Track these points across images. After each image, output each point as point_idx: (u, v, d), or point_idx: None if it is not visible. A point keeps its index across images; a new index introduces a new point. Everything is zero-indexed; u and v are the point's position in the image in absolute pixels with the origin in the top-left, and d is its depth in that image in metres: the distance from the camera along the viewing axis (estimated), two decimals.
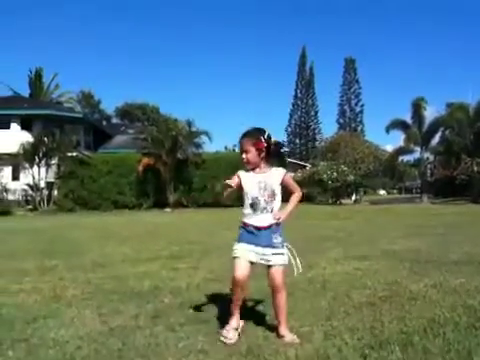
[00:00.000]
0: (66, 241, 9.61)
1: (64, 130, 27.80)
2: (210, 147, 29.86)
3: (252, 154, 3.16)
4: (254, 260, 3.08)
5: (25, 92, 46.85)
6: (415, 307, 3.66)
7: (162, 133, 26.35)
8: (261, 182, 3.14)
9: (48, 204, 25.48)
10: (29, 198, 26.25)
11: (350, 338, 2.96)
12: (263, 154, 3.17)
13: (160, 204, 25.87)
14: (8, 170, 27.76)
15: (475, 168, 32.16)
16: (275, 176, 3.17)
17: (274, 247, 3.09)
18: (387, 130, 35.81)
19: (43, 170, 26.08)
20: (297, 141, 74.45)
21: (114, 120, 55.22)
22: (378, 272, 5.19)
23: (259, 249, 3.07)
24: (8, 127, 29.42)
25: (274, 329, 3.15)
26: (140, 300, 4.16)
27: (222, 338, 2.99)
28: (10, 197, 25.72)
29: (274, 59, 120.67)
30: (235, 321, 3.14)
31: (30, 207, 25.35)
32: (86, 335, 3.19)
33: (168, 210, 24.62)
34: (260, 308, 3.76)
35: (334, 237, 9.16)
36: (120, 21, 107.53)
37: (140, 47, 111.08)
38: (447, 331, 3.02)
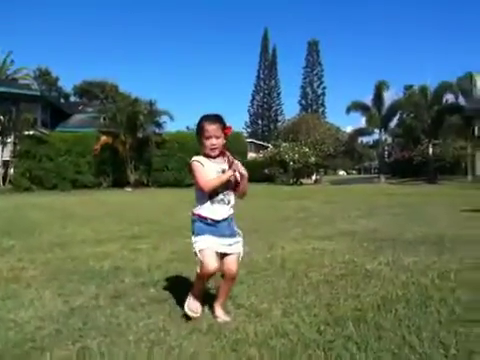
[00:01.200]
0: (23, 221, 9.39)
1: (20, 108, 26.85)
2: (172, 127, 29.52)
3: (221, 140, 3.08)
4: (220, 251, 3.01)
5: None
6: (369, 285, 3.81)
7: (121, 112, 25.87)
8: (219, 171, 3.05)
9: (4, 183, 24.74)
10: None
11: (307, 315, 3.07)
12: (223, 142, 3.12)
13: (120, 183, 25.56)
14: None
15: (431, 150, 33.27)
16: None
17: (236, 235, 3.10)
18: (347, 111, 36.51)
19: None
20: (259, 122, 74.85)
21: (72, 98, 53.76)
22: (335, 251, 5.35)
23: (225, 240, 3.03)
24: None
25: (235, 308, 3.22)
26: (100, 280, 4.15)
27: (187, 311, 3.04)
28: None
29: (237, 41, 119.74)
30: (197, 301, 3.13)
31: None
32: (46, 315, 3.18)
33: (129, 190, 24.36)
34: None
35: (294, 217, 9.34)
36: None
37: (101, 22, 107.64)
38: (399, 308, 3.17)
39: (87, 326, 2.96)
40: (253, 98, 74.39)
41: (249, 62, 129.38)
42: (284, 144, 32.67)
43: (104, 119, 27.04)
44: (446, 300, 3.33)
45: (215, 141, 3.06)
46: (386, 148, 47.29)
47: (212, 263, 2.94)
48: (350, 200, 14.81)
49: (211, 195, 3.04)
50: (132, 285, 3.96)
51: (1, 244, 6.28)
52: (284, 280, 4.03)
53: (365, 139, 44.22)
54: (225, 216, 3.07)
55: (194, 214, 3.10)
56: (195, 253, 3.00)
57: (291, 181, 31.19)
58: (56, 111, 34.34)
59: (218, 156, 3.10)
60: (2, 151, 25.50)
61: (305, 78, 71.86)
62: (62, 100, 50.08)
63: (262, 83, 73.64)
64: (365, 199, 15.08)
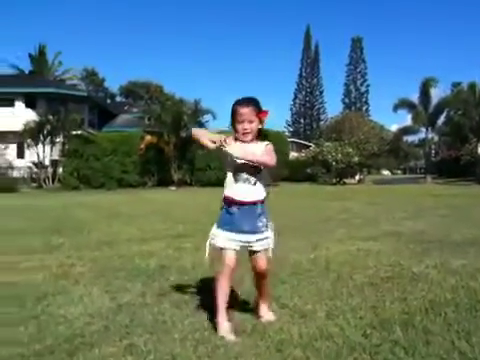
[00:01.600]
0: (72, 219, 9.72)
1: (68, 108, 27.76)
2: (214, 125, 29.70)
3: (255, 125, 2.91)
4: (238, 249, 2.90)
5: (28, 70, 46.56)
6: (417, 288, 3.72)
7: (165, 112, 26.30)
8: (248, 152, 2.87)
9: (53, 182, 25.63)
10: (34, 175, 26.42)
11: (352, 317, 3.03)
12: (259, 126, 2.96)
13: (164, 182, 25.99)
14: (13, 148, 27.89)
15: None
16: (262, 148, 2.93)
17: (258, 232, 2.91)
18: (395, 109, 35.74)
19: (48, 148, 26.17)
20: (301, 121, 74.30)
21: (118, 99, 55.02)
22: (381, 253, 5.25)
23: (242, 236, 2.88)
24: (12, 105, 29.45)
25: (279, 307, 3.22)
26: (146, 278, 4.24)
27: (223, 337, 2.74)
28: (15, 174, 25.87)
29: (280, 38, 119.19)
30: (225, 317, 2.87)
31: (35, 184, 25.53)
32: (95, 312, 3.27)
33: (173, 188, 24.74)
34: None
35: (337, 218, 9.22)
36: None
37: (146, 22, 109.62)
38: (448, 312, 3.08)
39: (134, 323, 3.03)
40: (295, 96, 73.95)
41: (292, 60, 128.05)
42: (327, 143, 32.33)
43: (149, 119, 27.57)
44: None
45: (247, 125, 2.89)
46: (433, 147, 45.98)
47: (230, 260, 2.86)
48: (395, 201, 14.49)
49: (235, 172, 2.89)
50: (177, 283, 4.02)
51: (51, 242, 6.52)
52: (328, 281, 3.99)
53: (411, 138, 43.16)
54: (250, 199, 2.88)
55: (223, 197, 2.96)
56: (210, 244, 2.96)
57: (334, 181, 30.82)
58: (102, 111, 35.33)
59: (252, 141, 2.93)
60: (51, 150, 26.42)
61: (348, 76, 70.88)
62: (108, 100, 51.39)
63: (304, 81, 73.05)
64: (410, 200, 14.72)
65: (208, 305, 3.36)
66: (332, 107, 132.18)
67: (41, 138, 25.63)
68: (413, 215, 9.50)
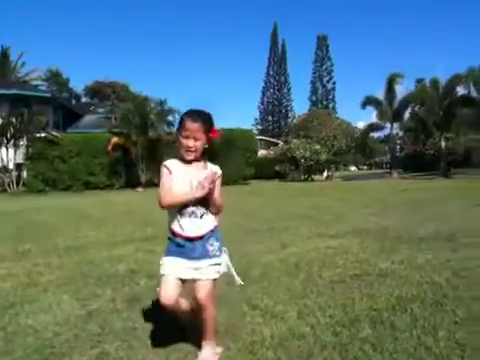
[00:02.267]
0: (38, 224, 9.50)
1: (32, 110, 27.08)
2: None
3: (201, 143, 2.59)
4: (185, 277, 2.56)
5: None
6: (384, 284, 3.82)
7: (131, 111, 26.01)
8: (193, 180, 2.56)
9: (17, 186, 24.98)
10: None
11: (322, 316, 3.09)
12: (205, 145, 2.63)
13: (132, 184, 25.68)
14: None
15: (443, 143, 32.98)
16: (206, 173, 2.57)
17: (210, 257, 2.59)
18: (363, 106, 36.36)
19: (11, 151, 25.47)
20: (269, 118, 74.69)
21: (84, 99, 54.11)
22: (349, 250, 5.34)
23: (191, 263, 2.56)
24: None
25: (250, 309, 3.25)
26: (116, 283, 4.20)
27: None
28: None
29: (246, 37, 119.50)
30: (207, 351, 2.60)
31: None
32: (64, 320, 3.23)
33: (140, 190, 24.46)
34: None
35: (306, 215, 9.33)
36: None
37: (111, 22, 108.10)
38: (414, 307, 3.17)
39: (105, 331, 3.00)
40: (263, 94, 74.27)
41: (259, 58, 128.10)
42: (295, 141, 32.60)
43: (115, 119, 27.18)
44: (462, 299, 3.32)
45: (192, 143, 2.58)
46: (398, 142, 46.95)
47: (167, 292, 2.52)
48: (362, 197, 14.74)
49: (180, 208, 2.58)
50: (147, 288, 4.00)
51: (17, 248, 6.35)
52: (298, 281, 4.05)
53: (377, 134, 43.89)
54: (198, 233, 2.58)
55: (168, 228, 2.68)
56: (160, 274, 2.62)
57: (302, 177, 31.10)
58: (67, 112, 34.62)
59: (195, 161, 2.64)
60: (15, 154, 25.76)
61: (315, 73, 71.51)
62: (73, 101, 50.44)
63: (272, 79, 73.46)
64: (377, 196, 15.01)
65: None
66: (299, 105, 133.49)
67: (4, 141, 24.95)
68: (380, 211, 9.69)
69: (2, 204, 16.95)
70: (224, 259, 2.68)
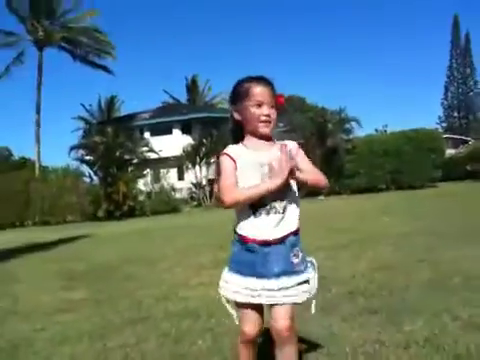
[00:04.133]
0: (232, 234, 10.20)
1: (220, 130, 29.59)
2: (360, 131, 28.90)
3: (275, 112, 2.05)
4: (263, 302, 1.99)
5: (183, 96, 50.71)
6: None
7: (309, 123, 26.53)
8: (265, 165, 1.99)
9: (211, 200, 27.39)
10: (194, 195, 28.54)
11: None
12: None
13: (312, 193, 26.05)
14: (174, 171, 30.59)
15: None
16: (280, 151, 1.98)
17: (297, 272, 2.00)
18: None
19: (204, 169, 28.12)
20: (455, 114, 68.67)
21: None
22: None
23: (270, 283, 1.96)
24: (170, 132, 32.39)
25: (451, 319, 3.06)
26: None
27: None
28: (177, 195, 28.21)
29: (422, 34, 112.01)
30: None
31: (195, 203, 27.54)
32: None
33: (321, 198, 24.66)
34: None
35: None
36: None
37: (284, 42, 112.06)
38: None
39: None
40: (446, 90, 68.64)
41: (430, 54, 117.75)
42: None
43: (294, 131, 28.04)
44: None
45: (268, 110, 2.02)
46: None
47: (249, 323, 2.05)
48: None
49: (253, 203, 1.99)
50: (338, 295, 4.02)
51: (217, 257, 6.67)
52: None
53: None
54: (279, 235, 1.99)
55: (235, 233, 2.11)
56: (224, 297, 2.12)
57: None
58: None
59: (266, 140, 2.08)
60: (207, 170, 28.35)
61: None
62: None
63: (455, 72, 67.62)
64: None
65: (375, 317, 3.31)
66: None
67: (198, 160, 27.70)
68: None
69: (201, 217, 18.76)
70: (313, 276, 2.08)
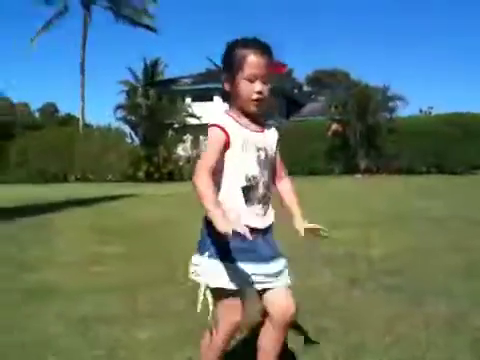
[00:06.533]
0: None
1: None
2: (405, 112, 28.18)
3: (268, 88, 1.82)
4: (259, 287, 1.85)
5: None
6: None
7: (350, 99, 26.06)
8: (261, 148, 1.86)
9: None
10: None
11: None
12: None
13: (350, 170, 25.80)
14: None
15: None
16: (273, 138, 1.94)
17: (280, 255, 1.91)
18: None
19: None
20: None
21: (305, 88, 56.10)
22: None
23: (266, 267, 1.83)
24: (211, 99, 32.44)
25: None
26: (335, 266, 4.38)
27: None
28: None
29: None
30: None
31: None
32: None
33: (358, 176, 24.41)
34: None
35: None
36: None
37: (330, 13, 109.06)
38: None
39: (324, 306, 3.20)
40: None
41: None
42: None
43: (335, 107, 27.61)
44: None
45: (261, 87, 1.79)
46: None
47: (238, 314, 1.85)
48: None
49: (249, 186, 1.82)
50: (366, 272, 4.09)
51: None
52: None
53: None
54: (266, 223, 1.89)
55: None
56: (203, 292, 1.81)
57: None
58: (291, 101, 36.55)
59: (258, 116, 1.89)
60: None
61: None
62: (295, 90, 52.82)
63: None
64: None
65: (398, 295, 3.37)
66: None
67: None
68: None
69: None
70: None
